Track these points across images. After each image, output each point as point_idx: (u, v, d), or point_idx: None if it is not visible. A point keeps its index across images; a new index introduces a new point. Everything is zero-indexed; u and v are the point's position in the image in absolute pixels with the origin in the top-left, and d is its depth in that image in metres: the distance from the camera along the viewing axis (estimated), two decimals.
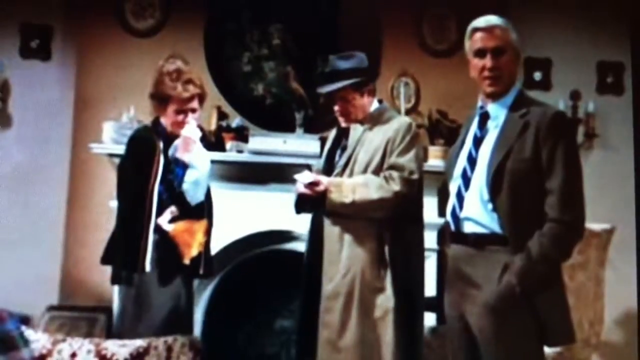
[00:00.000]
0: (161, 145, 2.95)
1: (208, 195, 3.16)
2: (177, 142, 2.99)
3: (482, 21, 2.36)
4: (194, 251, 2.92)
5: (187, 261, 2.91)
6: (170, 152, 2.97)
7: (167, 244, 2.88)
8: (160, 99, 3.00)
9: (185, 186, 2.95)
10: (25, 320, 2.54)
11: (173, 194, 2.93)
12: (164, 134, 3.01)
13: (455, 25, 4.68)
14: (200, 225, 2.96)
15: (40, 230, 4.34)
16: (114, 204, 4.20)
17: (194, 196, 2.99)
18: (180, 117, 2.99)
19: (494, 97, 2.37)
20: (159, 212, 2.89)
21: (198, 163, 3.02)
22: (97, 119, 4.31)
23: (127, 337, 2.63)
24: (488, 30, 2.33)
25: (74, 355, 2.49)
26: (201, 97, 3.05)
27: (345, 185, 2.86)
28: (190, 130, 2.99)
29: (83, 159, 4.38)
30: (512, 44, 2.34)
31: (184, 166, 2.95)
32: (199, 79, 3.07)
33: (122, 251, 2.88)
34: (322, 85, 3.04)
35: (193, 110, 3.01)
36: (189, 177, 2.96)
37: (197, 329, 4.33)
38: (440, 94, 4.60)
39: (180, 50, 4.49)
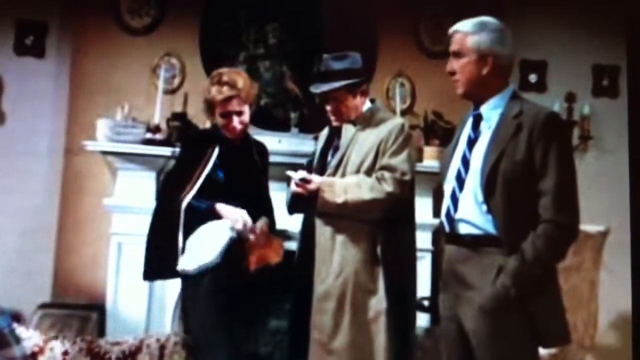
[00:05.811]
0: (217, 149, 2.92)
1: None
2: (241, 223, 2.85)
3: (455, 26, 2.40)
4: (254, 266, 2.91)
5: (252, 267, 2.89)
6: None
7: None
8: (206, 103, 2.97)
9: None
10: (17, 317, 2.52)
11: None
12: (221, 137, 2.98)
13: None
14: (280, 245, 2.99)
15: (33, 227, 4.32)
16: (107, 201, 4.22)
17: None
18: (225, 121, 2.94)
19: (468, 98, 2.40)
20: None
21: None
22: (91, 116, 4.28)
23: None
24: (451, 34, 2.39)
25: (65, 353, 2.49)
26: (241, 99, 2.92)
27: (338, 185, 2.85)
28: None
29: (76, 156, 4.35)
30: (469, 49, 2.34)
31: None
32: (241, 80, 2.94)
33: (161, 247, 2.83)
34: (316, 85, 3.03)
35: (237, 113, 2.92)
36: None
37: None
38: (436, 95, 4.60)
39: (176, 49, 4.55)
